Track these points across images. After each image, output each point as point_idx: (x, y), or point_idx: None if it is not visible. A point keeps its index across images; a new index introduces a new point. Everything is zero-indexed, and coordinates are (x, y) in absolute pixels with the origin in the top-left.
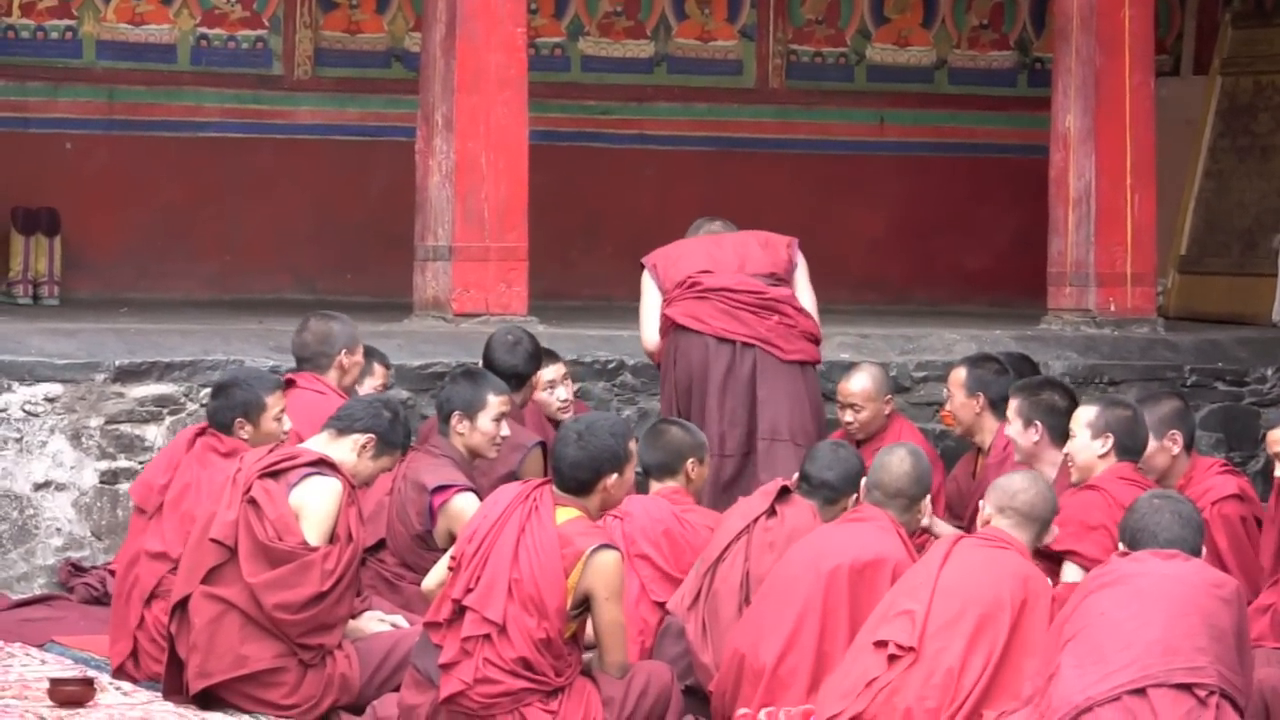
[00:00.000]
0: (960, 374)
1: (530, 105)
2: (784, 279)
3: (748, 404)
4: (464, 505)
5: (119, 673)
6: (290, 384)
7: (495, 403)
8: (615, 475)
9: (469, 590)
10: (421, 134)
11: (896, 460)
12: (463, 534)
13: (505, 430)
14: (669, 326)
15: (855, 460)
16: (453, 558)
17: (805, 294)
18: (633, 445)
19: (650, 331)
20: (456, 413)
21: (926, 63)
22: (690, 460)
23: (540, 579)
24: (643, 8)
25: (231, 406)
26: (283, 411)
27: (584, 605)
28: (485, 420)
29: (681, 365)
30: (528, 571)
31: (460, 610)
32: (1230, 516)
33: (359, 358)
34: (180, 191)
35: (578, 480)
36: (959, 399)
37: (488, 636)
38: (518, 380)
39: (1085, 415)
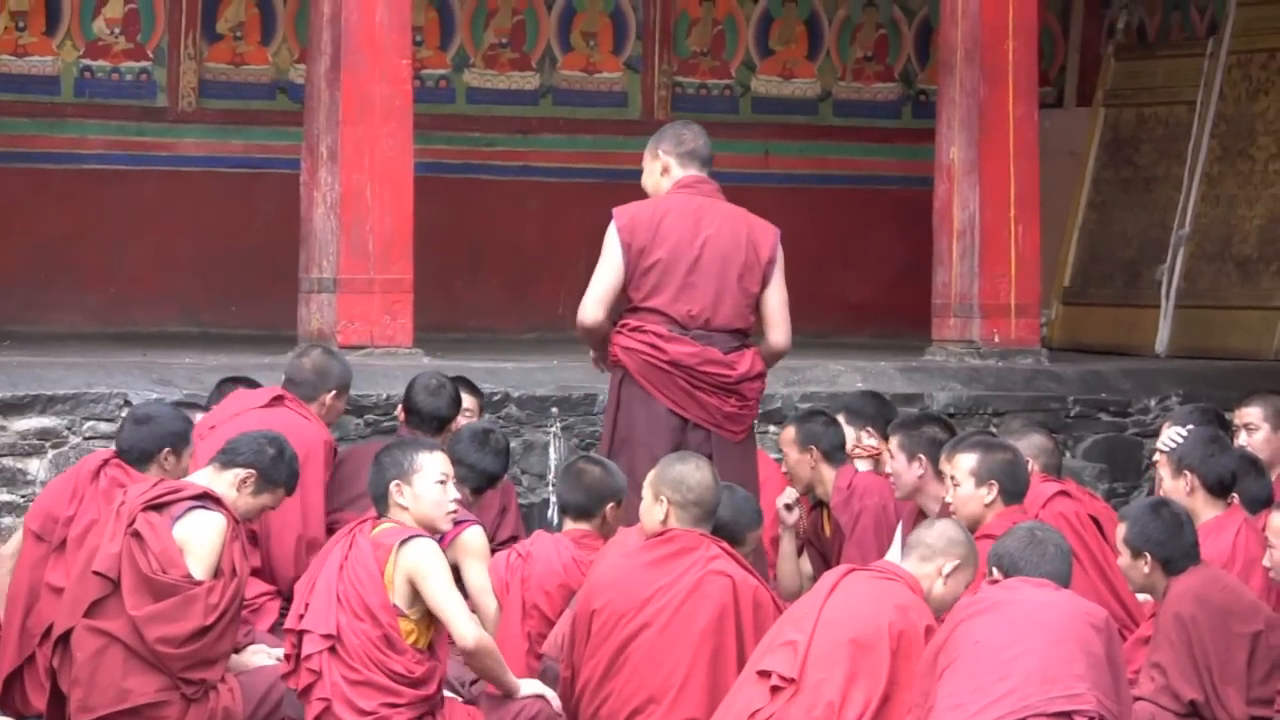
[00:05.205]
0: (790, 432)
1: (415, 137)
2: (758, 290)
3: None
4: (474, 539)
5: (2, 701)
6: (279, 399)
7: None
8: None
9: (301, 616)
10: (306, 166)
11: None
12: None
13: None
14: (616, 363)
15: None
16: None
17: (777, 296)
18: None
19: (593, 307)
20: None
21: (811, 95)
22: (610, 504)
23: (359, 582)
24: (528, 40)
25: (157, 437)
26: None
27: (416, 600)
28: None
29: (623, 419)
30: (351, 582)
31: (300, 638)
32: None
33: (342, 405)
34: (64, 223)
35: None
36: (793, 457)
37: (332, 649)
38: (440, 424)
39: (966, 463)
